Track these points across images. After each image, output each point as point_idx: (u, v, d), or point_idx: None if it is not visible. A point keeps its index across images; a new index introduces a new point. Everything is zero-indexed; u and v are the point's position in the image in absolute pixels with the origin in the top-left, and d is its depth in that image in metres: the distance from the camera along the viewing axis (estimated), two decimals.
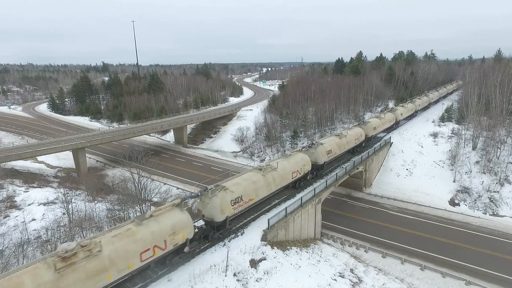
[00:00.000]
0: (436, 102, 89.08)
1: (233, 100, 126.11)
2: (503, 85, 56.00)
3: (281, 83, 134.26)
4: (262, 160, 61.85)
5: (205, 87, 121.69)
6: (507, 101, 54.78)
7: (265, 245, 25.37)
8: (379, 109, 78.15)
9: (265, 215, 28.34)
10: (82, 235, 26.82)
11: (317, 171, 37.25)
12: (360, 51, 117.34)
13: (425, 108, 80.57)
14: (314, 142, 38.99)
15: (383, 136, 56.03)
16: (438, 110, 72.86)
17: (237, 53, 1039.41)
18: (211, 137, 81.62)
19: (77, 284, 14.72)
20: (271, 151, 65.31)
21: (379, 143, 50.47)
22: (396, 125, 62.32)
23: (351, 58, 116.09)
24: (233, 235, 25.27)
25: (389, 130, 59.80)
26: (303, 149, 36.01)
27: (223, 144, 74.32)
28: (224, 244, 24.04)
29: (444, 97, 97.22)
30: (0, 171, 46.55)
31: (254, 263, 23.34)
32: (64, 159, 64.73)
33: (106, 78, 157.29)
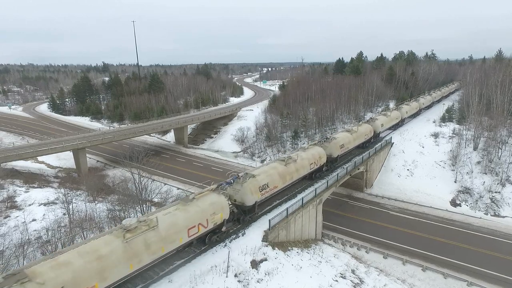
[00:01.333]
0: (439, 101, 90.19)
1: (233, 100, 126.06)
2: (504, 85, 55.90)
3: (281, 83, 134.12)
4: (262, 161, 61.80)
5: (206, 87, 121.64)
6: (508, 101, 54.66)
7: (266, 246, 25.28)
8: (379, 109, 78.08)
9: (266, 215, 28.30)
10: (82, 235, 26.75)
11: (331, 163, 39.57)
12: (361, 51, 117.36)
13: (428, 107, 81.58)
14: (328, 136, 41.29)
15: (389, 133, 58.59)
16: (439, 110, 72.78)
17: (237, 53, 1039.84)
18: (212, 137, 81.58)
19: (139, 252, 17.21)
20: (272, 151, 65.24)
21: (380, 143, 50.42)
22: (401, 123, 64.06)
23: (352, 58, 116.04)
24: (233, 236, 25.20)
25: (395, 127, 61.49)
26: (319, 142, 38.77)
27: (224, 144, 74.27)
28: (225, 245, 23.96)
29: (446, 96, 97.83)
30: (0, 171, 46.52)
31: (255, 264, 23.26)
32: (65, 159, 64.71)
33: (107, 78, 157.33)
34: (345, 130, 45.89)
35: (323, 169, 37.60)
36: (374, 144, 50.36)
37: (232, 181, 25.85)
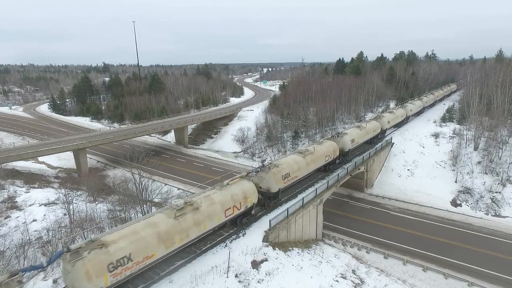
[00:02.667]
0: (441, 100, 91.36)
1: (234, 101, 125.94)
2: (504, 85, 55.83)
3: (281, 83, 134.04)
4: (263, 161, 61.73)
5: (206, 87, 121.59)
6: (508, 101, 54.60)
7: (267, 246, 25.28)
8: (380, 109, 78.07)
9: (266, 216, 28.29)
10: (83, 236, 26.76)
11: (343, 157, 42.59)
12: (361, 51, 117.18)
13: (431, 105, 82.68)
14: (340, 132, 44.17)
15: (394, 131, 61.35)
16: (439, 110, 72.75)
17: (237, 53, 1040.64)
18: (212, 138, 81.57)
19: (187, 228, 20.31)
20: (272, 151, 65.23)
21: (380, 144, 50.41)
22: (406, 120, 66.29)
23: (352, 58, 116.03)
24: (234, 236, 25.21)
25: (400, 124, 63.94)
26: (333, 137, 42.04)
27: (224, 145, 74.26)
28: (226, 245, 23.96)
29: (448, 95, 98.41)
30: (1, 172, 46.47)
31: (255, 264, 23.25)
32: (65, 159, 64.72)
33: (107, 79, 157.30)
34: (355, 126, 49.28)
35: (336, 161, 40.68)
36: (380, 140, 53.60)
37: (259, 170, 28.37)
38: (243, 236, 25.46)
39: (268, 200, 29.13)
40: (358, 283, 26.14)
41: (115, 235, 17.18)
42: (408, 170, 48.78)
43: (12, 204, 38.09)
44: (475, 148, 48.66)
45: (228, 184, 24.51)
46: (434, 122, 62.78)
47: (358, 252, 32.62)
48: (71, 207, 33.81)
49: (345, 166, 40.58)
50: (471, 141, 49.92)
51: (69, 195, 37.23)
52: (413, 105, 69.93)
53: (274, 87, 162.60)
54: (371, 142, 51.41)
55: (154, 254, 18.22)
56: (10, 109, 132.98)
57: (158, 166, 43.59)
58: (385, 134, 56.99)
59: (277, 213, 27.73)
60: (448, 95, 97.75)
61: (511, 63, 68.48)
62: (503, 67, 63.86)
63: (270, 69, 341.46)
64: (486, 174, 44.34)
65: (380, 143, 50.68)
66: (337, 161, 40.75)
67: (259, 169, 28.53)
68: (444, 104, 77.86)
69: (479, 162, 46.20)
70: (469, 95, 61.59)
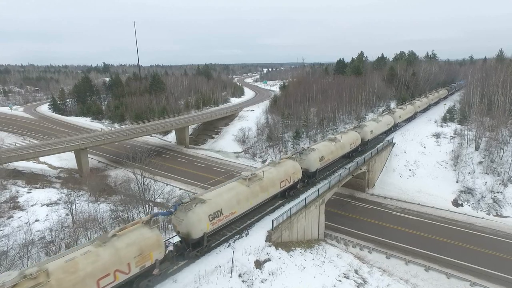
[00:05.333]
0: (445, 98, 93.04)
1: (234, 101, 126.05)
2: (505, 85, 55.93)
3: (282, 83, 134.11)
4: (264, 161, 61.82)
5: (206, 87, 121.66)
6: (509, 101, 54.71)
7: (270, 246, 25.33)
8: (381, 110, 78.13)
9: (269, 215, 28.33)
10: (86, 236, 26.80)
11: (364, 146, 46.54)
12: (361, 51, 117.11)
13: (436, 103, 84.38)
14: (361, 124, 48.43)
15: (406, 124, 65.21)
16: (440, 110, 72.81)
17: (237, 54, 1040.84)
18: (213, 138, 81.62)
19: (256, 193, 25.82)
20: (273, 151, 65.29)
21: (381, 144, 50.49)
22: (414, 116, 70.01)
23: (352, 59, 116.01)
24: (237, 236, 25.26)
25: (410, 119, 67.37)
26: (355, 128, 46.41)
27: (225, 145, 74.32)
28: (229, 245, 24.02)
29: (437, 102, 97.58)
30: (3, 172, 46.48)
31: (259, 264, 23.30)
32: (66, 159, 64.74)
33: (107, 79, 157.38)
34: (371, 119, 53.73)
35: (358, 149, 45.13)
36: (392, 132, 57.84)
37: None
38: (246, 236, 25.51)
39: (308, 178, 33.91)
40: (361, 283, 26.19)
41: (209, 195, 22.76)
42: (410, 170, 48.86)
43: (14, 204, 38.15)
44: (476, 148, 48.73)
45: (279, 162, 29.83)
46: (435, 122, 62.88)
47: (360, 252, 32.69)
48: (73, 207, 33.84)
49: (347, 166, 40.68)
50: (472, 141, 49.99)
51: (71, 195, 37.20)
52: (421, 102, 74.38)
53: (274, 87, 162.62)
54: (386, 133, 56.25)
55: (236, 211, 23.96)
56: (11, 109, 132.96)
57: (160, 166, 43.61)
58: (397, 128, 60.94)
59: (280, 213, 27.67)
60: (452, 93, 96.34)
61: None
62: (503, 67, 63.94)
63: (270, 69, 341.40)
64: (488, 174, 44.41)
65: (381, 143, 50.74)
66: (359, 149, 44.79)
67: (301, 151, 33.42)
68: (445, 104, 77.87)
69: (480, 162, 46.27)
70: (470, 95, 61.68)
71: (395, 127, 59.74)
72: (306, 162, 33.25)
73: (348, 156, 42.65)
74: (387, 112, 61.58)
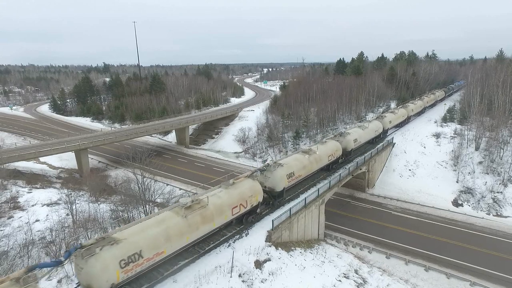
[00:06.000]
0: (442, 100, 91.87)
1: (234, 101, 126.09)
2: (505, 85, 55.97)
3: (282, 83, 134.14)
4: (264, 161, 61.83)
5: (207, 87, 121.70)
6: (509, 101, 54.75)
7: (270, 246, 25.37)
8: (381, 110, 78.14)
9: (269, 215, 28.38)
10: (87, 236, 26.84)
11: (346, 156, 42.76)
12: (361, 51, 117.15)
13: (432, 105, 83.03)
14: (342, 131, 45.25)
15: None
16: (440, 110, 72.80)
17: (237, 54, 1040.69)
18: (213, 138, 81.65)
19: (195, 225, 20.89)
20: (273, 151, 65.31)
21: (381, 144, 50.48)
22: (408, 120, 66.70)
23: (352, 59, 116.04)
24: (237, 236, 25.30)
25: (402, 124, 64.35)
26: (336, 137, 42.84)
27: (225, 145, 74.34)
28: (229, 245, 24.05)
29: (450, 95, 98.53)
30: (3, 172, 46.55)
31: (259, 264, 23.34)
32: (67, 160, 64.80)
33: (107, 79, 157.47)
34: (357, 126, 49.67)
35: (339, 161, 40.78)
36: (382, 140, 53.88)
37: (264, 168, 28.62)
38: (246, 236, 25.55)
39: (273, 199, 29.43)
40: (361, 283, 26.22)
41: (124, 234, 18.79)
42: (410, 170, 48.87)
43: (14, 205, 38.19)
44: (476, 148, 48.75)
45: (234, 183, 24.71)
46: (435, 122, 62.88)
47: (360, 252, 32.71)
48: (73, 207, 33.88)
49: (346, 166, 40.69)
50: (472, 141, 50.01)
51: (71, 195, 37.26)
52: (428, 98, 76.65)
53: (274, 87, 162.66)
54: (373, 142, 51.06)
55: (164, 251, 19.14)
56: (11, 109, 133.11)
57: (160, 167, 43.61)
58: (387, 134, 56.76)
59: (281, 212, 27.86)
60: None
61: None
62: (503, 67, 64.04)
63: (270, 69, 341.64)
64: (488, 174, 44.43)
65: (382, 143, 50.72)
66: (340, 161, 40.64)
67: (264, 168, 28.90)
68: (445, 104, 77.85)
69: (480, 162, 46.28)
70: (470, 95, 61.69)
71: (384, 134, 54.69)
72: (270, 180, 28.54)
73: (327, 169, 38.45)
74: (375, 117, 56.73)
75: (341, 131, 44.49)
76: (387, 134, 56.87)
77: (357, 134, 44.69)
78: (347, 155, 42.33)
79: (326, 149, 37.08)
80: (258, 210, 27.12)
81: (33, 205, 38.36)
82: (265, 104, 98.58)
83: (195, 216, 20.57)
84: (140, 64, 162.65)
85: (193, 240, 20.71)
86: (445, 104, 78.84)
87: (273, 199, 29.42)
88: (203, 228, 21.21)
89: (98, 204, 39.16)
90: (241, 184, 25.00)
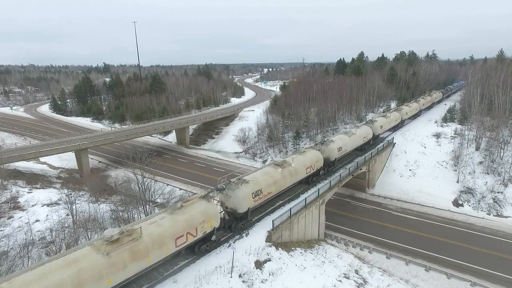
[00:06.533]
0: (440, 102, 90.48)
1: (234, 101, 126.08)
2: (505, 85, 55.93)
3: (282, 83, 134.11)
4: (264, 161, 61.81)
5: (207, 87, 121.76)
6: (510, 101, 54.69)
7: (270, 246, 25.35)
8: (381, 110, 78.13)
9: (270, 216, 28.34)
10: (87, 236, 26.82)
11: (329, 167, 39.22)
12: (362, 51, 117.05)
13: (429, 108, 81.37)
14: (325, 139, 41.20)
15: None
16: (440, 110, 72.76)
17: (237, 54, 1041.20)
18: (213, 138, 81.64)
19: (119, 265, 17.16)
20: (273, 151, 65.29)
21: (382, 144, 50.42)
22: (401, 124, 63.82)
23: (353, 59, 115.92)
24: (237, 236, 25.28)
25: (395, 128, 61.32)
26: (317, 145, 39.06)
27: (225, 145, 74.33)
28: (229, 245, 24.04)
29: (448, 96, 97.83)
30: (3, 172, 46.54)
31: (259, 264, 23.32)
32: (67, 160, 64.80)
33: (108, 79, 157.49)
34: (343, 133, 45.51)
35: (320, 172, 36.70)
36: (372, 146, 49.76)
37: (224, 187, 24.61)
38: (247, 236, 25.54)
39: (235, 221, 25.54)
40: (361, 283, 26.19)
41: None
42: (410, 170, 48.83)
43: (15, 205, 38.16)
44: (477, 148, 48.70)
45: (182, 206, 20.67)
46: (435, 122, 62.83)
47: (360, 252, 32.68)
48: (73, 207, 33.84)
49: (347, 166, 40.61)
50: (472, 141, 49.97)
51: (72, 195, 37.26)
52: (431, 97, 78.59)
53: (274, 87, 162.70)
54: (362, 149, 47.17)
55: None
56: (11, 109, 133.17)
57: (160, 167, 43.60)
58: (377, 140, 52.45)
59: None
60: (454, 92, 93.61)
61: None
62: (504, 67, 63.98)
63: (270, 69, 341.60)
64: (488, 174, 44.38)
65: (382, 143, 50.65)
66: (321, 172, 36.77)
67: (224, 186, 24.84)
68: (445, 104, 77.81)
69: (480, 162, 46.24)
70: (471, 95, 61.64)
71: (374, 140, 50.80)
72: (232, 200, 24.73)
73: (307, 182, 34.60)
74: (365, 122, 53.25)
75: (324, 139, 39.78)
76: (377, 141, 51.89)
77: (342, 141, 40.24)
78: (330, 166, 38.39)
79: (304, 160, 32.90)
80: (214, 238, 23.11)
81: (33, 205, 38.33)
82: (265, 104, 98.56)
83: (122, 253, 16.61)
84: (140, 64, 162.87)
85: (117, 283, 16.64)
86: (445, 104, 78.78)
87: (235, 221, 25.53)
88: (132, 267, 17.15)
89: (98, 204, 39.14)
90: (192, 208, 20.96)
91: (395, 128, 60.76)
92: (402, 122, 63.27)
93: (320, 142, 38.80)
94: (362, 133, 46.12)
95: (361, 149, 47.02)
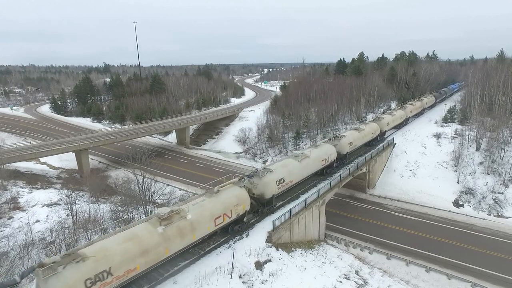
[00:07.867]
0: (432, 107, 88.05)
1: (235, 101, 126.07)
2: (506, 85, 55.89)
3: (282, 83, 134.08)
4: (264, 162, 61.78)
5: (207, 88, 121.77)
6: (510, 101, 54.65)
7: (270, 247, 25.31)
8: (381, 110, 78.06)
9: (270, 216, 28.32)
10: (87, 237, 26.79)
11: (341, 160, 41.45)
12: (362, 51, 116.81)
13: (419, 114, 78.58)
14: (338, 134, 43.80)
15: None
16: (440, 111, 72.68)
17: (238, 54, 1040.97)
18: (214, 138, 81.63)
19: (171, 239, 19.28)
20: (274, 152, 65.26)
21: (382, 144, 50.40)
22: (381, 136, 57.87)
23: (353, 59, 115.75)
24: (238, 237, 25.24)
25: (370, 143, 54.60)
26: (330, 140, 41.68)
27: (226, 145, 74.31)
28: (230, 246, 24.00)
29: (442, 100, 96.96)
30: (3, 173, 46.54)
31: (259, 265, 23.28)
32: (67, 160, 64.80)
33: (108, 79, 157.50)
34: (353, 129, 48.00)
35: (334, 165, 39.49)
36: (380, 141, 52.34)
37: (252, 175, 27.24)
38: (247, 237, 25.49)
39: (261, 207, 27.82)
40: (362, 284, 26.15)
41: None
42: (410, 170, 48.78)
43: (15, 205, 38.15)
44: (477, 149, 48.65)
45: (218, 190, 22.94)
46: (436, 122, 62.77)
47: (361, 253, 32.64)
48: (74, 207, 33.85)
49: (347, 166, 40.59)
50: (473, 141, 49.92)
51: (72, 195, 37.26)
52: (437, 94, 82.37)
53: (275, 87, 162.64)
54: (370, 144, 49.70)
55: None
56: (11, 109, 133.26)
57: (160, 167, 43.61)
58: (385, 137, 55.25)
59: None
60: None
61: None
62: (504, 68, 63.86)
63: (270, 69, 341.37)
64: (488, 174, 44.33)
65: (382, 144, 50.62)
66: (334, 165, 39.14)
67: (252, 174, 27.19)
68: (446, 104, 77.73)
69: (481, 163, 46.18)
70: (471, 95, 61.58)
71: (381, 136, 52.08)
72: (259, 187, 27.11)
73: (322, 174, 36.96)
74: (372, 120, 53.83)
75: (336, 134, 42.39)
76: (345, 161, 45.47)
77: (353, 137, 42.91)
78: (342, 159, 40.95)
79: (320, 153, 35.27)
80: (245, 219, 25.71)
81: (33, 206, 38.33)
82: (266, 104, 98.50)
83: (172, 229, 18.95)
84: (140, 64, 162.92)
85: (173, 252, 19.32)
86: (445, 104, 78.66)
87: (261, 206, 27.79)
88: (182, 241, 19.54)
89: (98, 205, 39.13)
90: (227, 192, 23.31)
91: (399, 126, 62.60)
92: (407, 120, 65.71)
93: (333, 137, 41.64)
94: (370, 129, 48.79)
95: (369, 145, 49.77)
